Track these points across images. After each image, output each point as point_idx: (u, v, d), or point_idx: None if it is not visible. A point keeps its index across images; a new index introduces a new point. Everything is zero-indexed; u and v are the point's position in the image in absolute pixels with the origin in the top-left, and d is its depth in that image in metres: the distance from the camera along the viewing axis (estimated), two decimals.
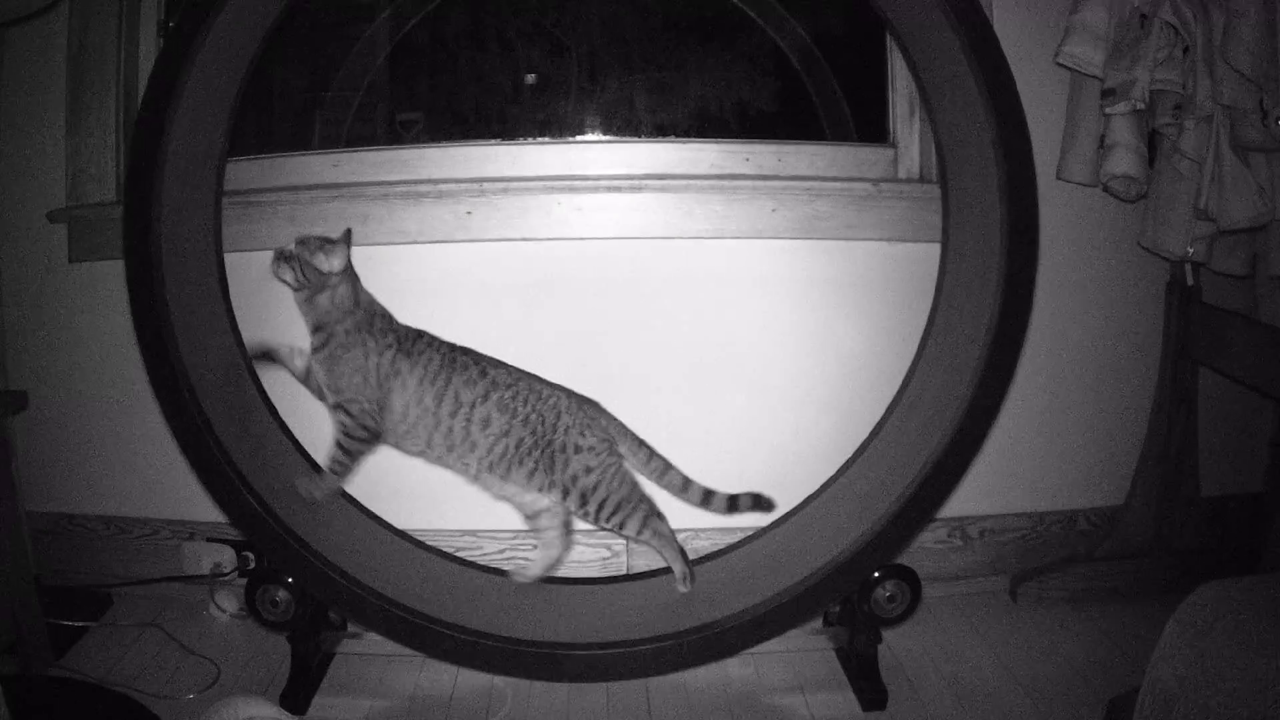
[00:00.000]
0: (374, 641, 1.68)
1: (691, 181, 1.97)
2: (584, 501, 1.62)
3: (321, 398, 1.64)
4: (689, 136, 2.18)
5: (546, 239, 1.96)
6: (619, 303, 2.00)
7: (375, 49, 2.31)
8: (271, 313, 1.95)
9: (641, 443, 1.67)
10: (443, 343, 1.64)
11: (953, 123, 1.66)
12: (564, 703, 1.66)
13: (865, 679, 1.66)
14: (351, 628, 1.74)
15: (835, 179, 2.02)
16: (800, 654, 1.79)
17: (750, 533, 1.78)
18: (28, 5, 1.80)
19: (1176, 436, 2.00)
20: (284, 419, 1.76)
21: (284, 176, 2.08)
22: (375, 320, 1.62)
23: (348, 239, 1.63)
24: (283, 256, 1.60)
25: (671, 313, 2.00)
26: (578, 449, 1.61)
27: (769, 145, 2.09)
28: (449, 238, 1.95)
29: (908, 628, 1.81)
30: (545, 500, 1.67)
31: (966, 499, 1.99)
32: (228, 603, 1.95)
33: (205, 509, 1.87)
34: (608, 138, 2.17)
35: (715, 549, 1.80)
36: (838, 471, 1.78)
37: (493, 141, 2.10)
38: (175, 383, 1.54)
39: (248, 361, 1.74)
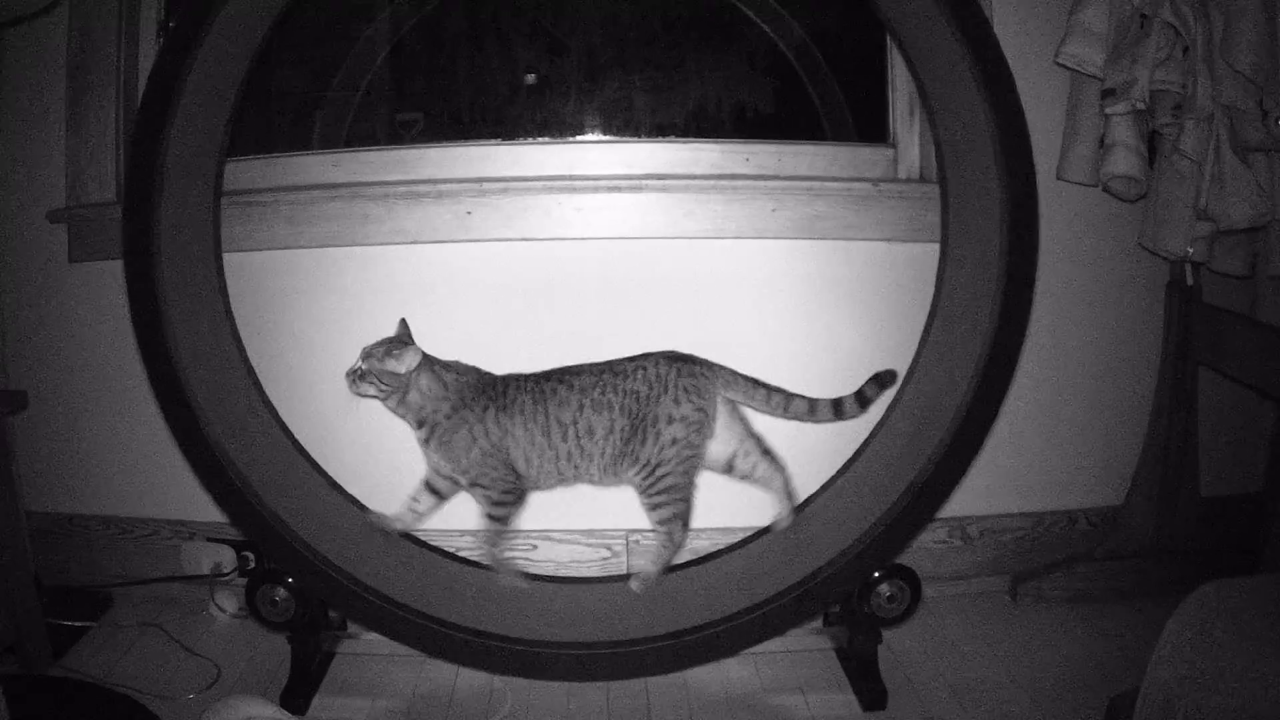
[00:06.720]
0: (374, 641, 1.68)
1: (691, 181, 1.97)
2: (650, 474, 1.60)
3: (456, 480, 1.66)
4: (688, 136, 2.18)
5: (546, 239, 1.96)
6: (619, 302, 2.00)
7: (375, 49, 2.31)
8: (271, 314, 1.97)
9: (756, 383, 1.65)
10: (527, 378, 1.64)
11: (953, 123, 1.66)
12: (564, 702, 1.66)
13: (865, 679, 1.65)
14: (351, 628, 1.74)
15: (835, 179, 2.02)
16: (800, 654, 1.79)
17: (750, 533, 1.78)
18: (28, 5, 1.80)
19: (1176, 436, 2.00)
20: (284, 419, 1.76)
21: (284, 176, 2.08)
22: (465, 392, 1.61)
23: (406, 331, 1.65)
24: (357, 375, 1.58)
25: (671, 312, 2.00)
26: (670, 419, 1.59)
27: (769, 145, 2.09)
28: (449, 238, 1.95)
29: (908, 628, 1.82)
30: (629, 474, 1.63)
31: (966, 499, 1.99)
32: (228, 603, 1.95)
33: (205, 509, 1.87)
34: (607, 138, 2.17)
35: (715, 549, 1.80)
36: (837, 472, 1.78)
37: (492, 141, 2.09)
38: (175, 383, 1.54)
39: (247, 361, 1.74)
